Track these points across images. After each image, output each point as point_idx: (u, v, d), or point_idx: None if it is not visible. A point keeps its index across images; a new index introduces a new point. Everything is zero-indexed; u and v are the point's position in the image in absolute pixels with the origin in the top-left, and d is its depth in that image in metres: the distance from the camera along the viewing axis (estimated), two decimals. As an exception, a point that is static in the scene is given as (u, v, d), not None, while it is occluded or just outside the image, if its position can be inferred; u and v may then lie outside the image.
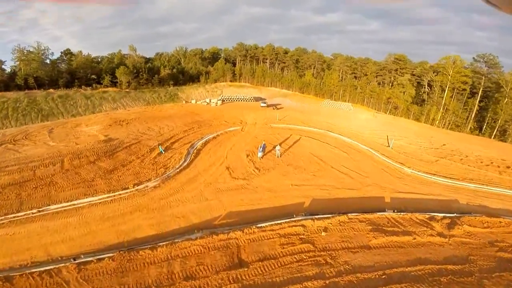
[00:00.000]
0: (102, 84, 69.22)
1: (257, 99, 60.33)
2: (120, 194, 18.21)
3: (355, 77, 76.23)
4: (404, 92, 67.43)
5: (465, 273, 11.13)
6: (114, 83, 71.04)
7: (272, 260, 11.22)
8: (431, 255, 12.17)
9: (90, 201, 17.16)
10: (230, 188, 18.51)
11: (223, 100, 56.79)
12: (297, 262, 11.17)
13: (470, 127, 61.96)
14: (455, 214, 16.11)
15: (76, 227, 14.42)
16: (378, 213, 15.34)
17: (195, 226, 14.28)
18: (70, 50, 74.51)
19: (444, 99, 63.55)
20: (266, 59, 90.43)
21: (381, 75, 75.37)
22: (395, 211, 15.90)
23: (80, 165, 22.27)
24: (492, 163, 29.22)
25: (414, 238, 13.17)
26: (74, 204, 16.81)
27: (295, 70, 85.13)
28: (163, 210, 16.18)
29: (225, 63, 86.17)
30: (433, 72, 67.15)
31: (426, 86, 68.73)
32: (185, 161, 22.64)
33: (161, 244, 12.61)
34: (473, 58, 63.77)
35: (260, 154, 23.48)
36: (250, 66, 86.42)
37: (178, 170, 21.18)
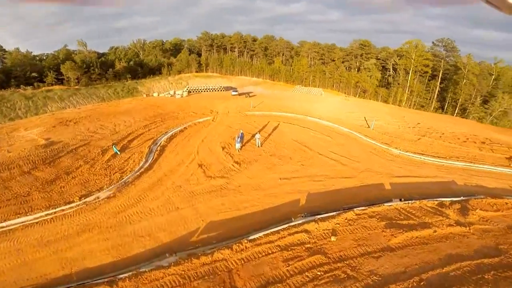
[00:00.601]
0: (45, 82, 59.53)
1: (227, 88, 56.35)
2: (63, 210, 13.95)
3: (323, 63, 75.47)
4: (371, 76, 68.47)
5: (504, 266, 9.25)
6: (60, 81, 61.67)
7: (278, 285, 8.23)
8: (460, 249, 10.16)
9: (24, 222, 13.14)
10: (206, 190, 15.00)
11: (189, 91, 51.85)
12: (311, 282, 8.33)
13: (434, 107, 65.19)
14: (461, 197, 14.57)
15: (6, 257, 10.63)
16: (386, 204, 13.12)
17: (167, 247, 10.70)
18: (1, 46, 62.79)
19: (408, 81, 65.84)
20: (234, 48, 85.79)
21: (348, 61, 75.60)
22: (402, 199, 13.85)
23: (10, 178, 17.21)
24: (467, 139, 29.39)
25: (435, 231, 11.11)
26: (2, 227, 12.65)
27: (264, 58, 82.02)
28: (121, 228, 12.29)
29: (189, 54, 79.92)
30: (397, 56, 68.92)
31: (391, 70, 70.59)
32: (146, 161, 18.53)
33: (122, 276, 8.96)
34: (433, 42, 66.89)
35: (238, 145, 20.17)
36: (217, 55, 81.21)
37: (138, 173, 17.07)
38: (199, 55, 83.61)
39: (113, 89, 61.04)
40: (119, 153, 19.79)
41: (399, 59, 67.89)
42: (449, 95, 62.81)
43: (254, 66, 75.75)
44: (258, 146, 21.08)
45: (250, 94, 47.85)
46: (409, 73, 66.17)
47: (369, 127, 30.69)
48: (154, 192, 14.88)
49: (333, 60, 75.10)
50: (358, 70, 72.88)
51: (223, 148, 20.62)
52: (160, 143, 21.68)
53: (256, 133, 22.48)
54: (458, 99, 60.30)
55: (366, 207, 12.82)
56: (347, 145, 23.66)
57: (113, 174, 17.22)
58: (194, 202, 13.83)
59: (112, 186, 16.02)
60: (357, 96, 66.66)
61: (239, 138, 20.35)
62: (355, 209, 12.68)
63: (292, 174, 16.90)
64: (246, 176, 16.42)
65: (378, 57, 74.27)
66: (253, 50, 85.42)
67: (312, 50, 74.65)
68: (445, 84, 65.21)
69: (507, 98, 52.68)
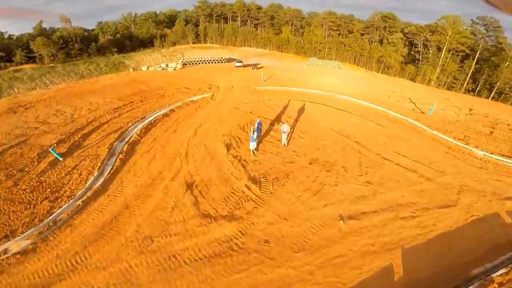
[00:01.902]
0: (14, 62, 50.95)
1: (230, 60, 47.43)
2: None
3: (339, 35, 65.17)
4: (396, 51, 58.87)
5: None
6: (33, 59, 52.94)
7: None
8: None
9: None
10: (202, 254, 7.56)
11: (184, 64, 43.17)
12: None
13: (466, 88, 56.38)
14: None
15: None
16: None
17: None
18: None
19: (441, 59, 56.38)
20: (237, 17, 74.74)
21: (368, 33, 65.25)
22: None
23: None
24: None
25: None
26: None
27: (271, 28, 71.46)
28: None
29: (185, 25, 69.55)
30: (429, 32, 58.82)
31: (420, 46, 60.69)
32: (100, 174, 10.98)
33: None
34: (472, 20, 56.80)
35: (252, 145, 12.44)
36: (217, 25, 70.60)
37: (82, 201, 9.63)
38: (197, 26, 73.04)
39: (95, 65, 52.16)
40: (60, 158, 12.24)
41: (431, 35, 58.06)
42: (483, 77, 53.91)
43: (259, 36, 65.65)
44: (285, 145, 13.38)
45: (258, 66, 39.10)
46: (442, 51, 56.67)
47: (422, 112, 22.67)
48: (100, 253, 7.51)
49: (351, 32, 64.71)
50: (381, 43, 62.84)
51: (228, 148, 12.97)
52: (130, 138, 13.99)
53: (282, 122, 14.64)
54: (495, 82, 51.67)
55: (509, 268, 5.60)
56: (413, 140, 15.89)
57: (41, 203, 9.80)
58: None
59: (34, 229, 8.68)
60: (380, 71, 57.48)
61: (254, 132, 12.47)
62: (493, 275, 5.49)
63: (359, 206, 9.37)
64: (274, 214, 8.87)
65: (405, 31, 63.95)
66: (258, 19, 74.46)
67: (328, 20, 63.93)
68: (480, 65, 55.94)
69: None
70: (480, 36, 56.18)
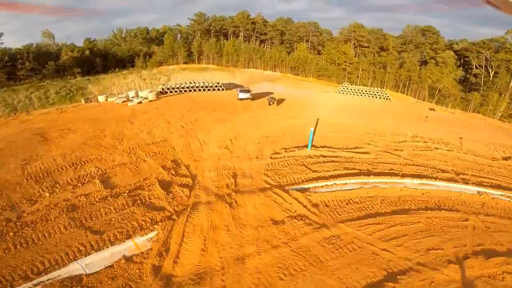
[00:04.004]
0: None
1: (230, 86, 32.58)
2: None
3: (372, 53, 51.30)
4: (449, 74, 44.64)
5: None
6: None
7: None
8: None
9: None
10: None
11: (162, 92, 28.18)
12: None
13: None
14: None
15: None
16: None
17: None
18: None
19: (511, 84, 42.00)
20: (239, 31, 61.50)
21: (406, 51, 51.47)
22: None
23: None
24: None
25: None
26: None
27: (280, 45, 57.89)
28: None
29: (175, 40, 56.13)
30: (488, 50, 44.99)
31: (481, 67, 46.45)
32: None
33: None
34: None
35: None
36: (214, 40, 56.95)
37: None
38: (189, 43, 59.47)
39: (42, 92, 37.40)
40: None
41: (493, 53, 44.14)
42: None
43: (268, 55, 51.59)
44: None
45: (275, 99, 23.06)
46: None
47: None
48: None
49: (384, 49, 50.95)
50: (425, 64, 48.85)
51: None
52: None
53: None
54: None
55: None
56: None
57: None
58: None
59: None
60: (434, 102, 42.59)
61: None
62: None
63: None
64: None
65: (455, 49, 50.28)
66: (265, 34, 61.13)
67: (357, 34, 50.12)
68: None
69: None
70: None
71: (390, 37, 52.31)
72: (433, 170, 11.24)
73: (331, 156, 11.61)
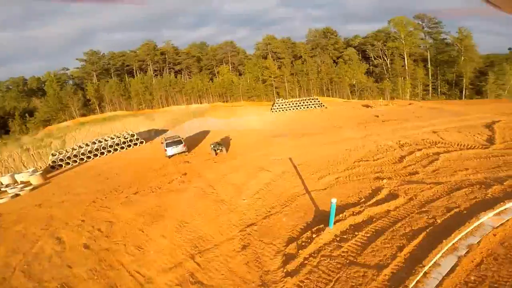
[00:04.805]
0: None
1: (150, 135, 25.51)
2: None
3: (291, 63, 51.97)
4: (357, 69, 48.62)
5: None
6: None
7: None
8: None
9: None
10: None
11: (53, 166, 19.26)
12: None
13: (441, 91, 49.43)
14: None
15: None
16: None
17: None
18: None
19: (406, 67, 48.40)
20: (147, 65, 53.83)
21: (315, 55, 54.33)
22: None
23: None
24: None
25: None
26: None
27: (199, 73, 53.18)
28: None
29: (61, 88, 44.84)
30: (379, 41, 51.20)
31: (381, 57, 52.16)
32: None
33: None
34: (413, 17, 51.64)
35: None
36: (116, 80, 47.80)
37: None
38: (83, 88, 48.64)
39: None
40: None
41: (384, 44, 50.15)
42: (439, 78, 48.01)
43: (188, 86, 46.16)
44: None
45: (221, 145, 17.42)
46: (404, 58, 48.99)
47: None
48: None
49: (298, 57, 52.39)
50: (336, 64, 52.16)
51: None
52: None
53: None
54: (454, 80, 46.86)
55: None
56: None
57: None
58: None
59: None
60: (356, 98, 45.07)
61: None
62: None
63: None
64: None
65: (354, 45, 55.61)
66: (179, 63, 55.59)
67: (272, 46, 49.90)
68: (433, 66, 50.28)
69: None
70: (425, 35, 51.36)
71: (300, 44, 54.40)
72: (480, 187, 7.86)
73: (367, 227, 6.96)
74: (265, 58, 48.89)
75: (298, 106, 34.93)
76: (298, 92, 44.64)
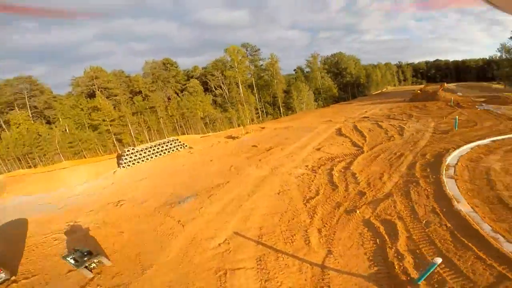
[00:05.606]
0: None
1: None
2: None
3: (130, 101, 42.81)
4: (201, 101, 48.67)
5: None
6: None
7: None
8: None
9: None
10: None
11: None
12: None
13: (270, 113, 59.83)
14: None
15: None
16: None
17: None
18: None
19: (241, 94, 54.09)
20: None
21: (155, 90, 48.96)
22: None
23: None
24: None
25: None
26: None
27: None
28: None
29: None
30: (217, 71, 54.21)
31: (219, 87, 54.72)
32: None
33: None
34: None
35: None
36: None
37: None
38: None
39: None
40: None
41: (224, 73, 53.34)
42: (262, 100, 59.46)
43: None
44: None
45: (94, 257, 8.17)
46: (239, 86, 54.38)
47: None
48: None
49: (138, 93, 44.67)
50: (182, 96, 49.12)
51: None
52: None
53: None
54: (272, 101, 59.24)
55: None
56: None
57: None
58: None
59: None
60: (211, 130, 44.07)
61: None
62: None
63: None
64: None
65: (195, 76, 55.43)
66: None
67: (102, 80, 38.72)
68: (257, 90, 60.29)
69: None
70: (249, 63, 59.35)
71: (138, 77, 47.02)
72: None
73: None
74: (92, 96, 37.36)
75: (157, 152, 28.47)
76: (148, 135, 37.28)
